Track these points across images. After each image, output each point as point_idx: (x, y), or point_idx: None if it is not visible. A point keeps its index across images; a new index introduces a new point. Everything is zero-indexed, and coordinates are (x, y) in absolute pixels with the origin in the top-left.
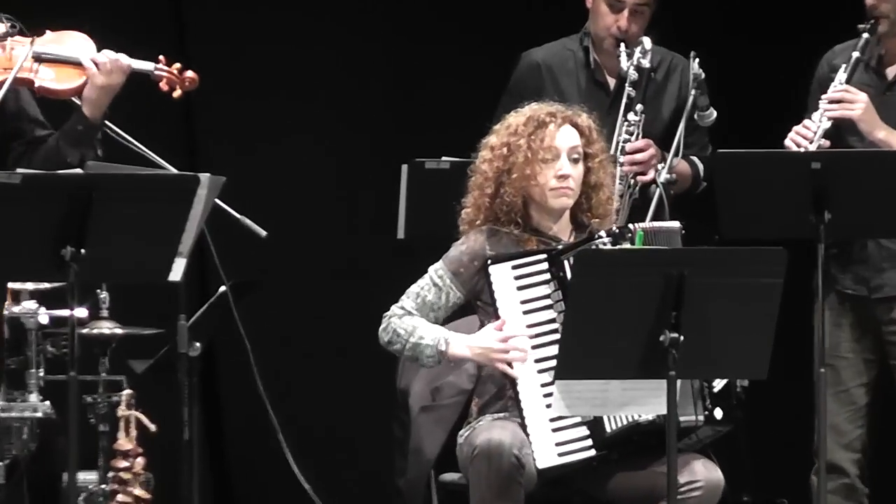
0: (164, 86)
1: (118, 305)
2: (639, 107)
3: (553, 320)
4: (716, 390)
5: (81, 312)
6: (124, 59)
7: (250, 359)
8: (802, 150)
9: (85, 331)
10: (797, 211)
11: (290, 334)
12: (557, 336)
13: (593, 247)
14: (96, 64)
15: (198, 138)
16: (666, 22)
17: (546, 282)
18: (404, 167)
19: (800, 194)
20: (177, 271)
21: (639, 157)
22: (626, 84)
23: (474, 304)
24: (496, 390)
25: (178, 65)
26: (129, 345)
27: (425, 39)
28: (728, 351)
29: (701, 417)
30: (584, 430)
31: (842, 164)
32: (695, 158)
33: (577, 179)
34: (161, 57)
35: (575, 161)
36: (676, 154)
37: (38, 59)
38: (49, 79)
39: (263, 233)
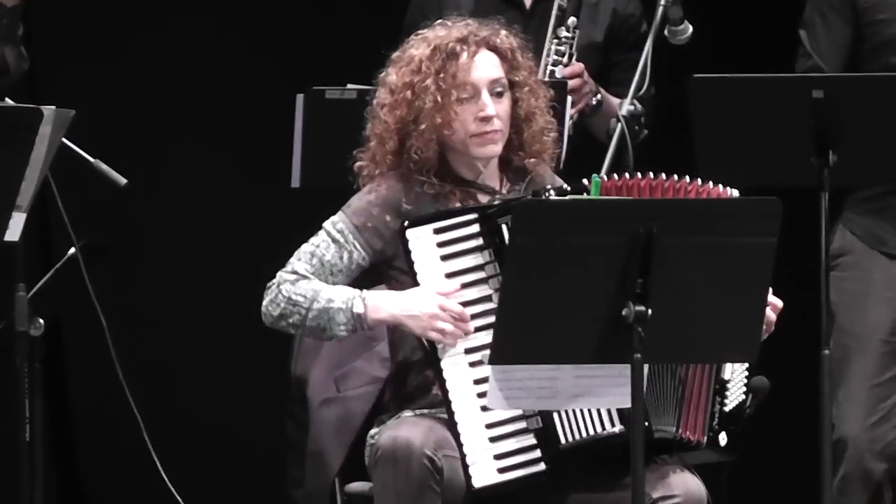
0: None
1: None
2: (571, 20)
3: (488, 298)
4: (728, 409)
5: None
6: None
7: (106, 338)
8: None
9: None
10: (795, 151)
11: (156, 307)
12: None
13: None
14: None
15: (39, 61)
16: None
17: (478, 248)
18: (299, 97)
19: (798, 130)
20: (14, 229)
21: (571, 84)
22: None
23: (384, 271)
24: (420, 378)
25: None
26: None
27: None
28: (708, 328)
29: (703, 439)
30: (532, 440)
31: (851, 91)
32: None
33: (504, 117)
34: None
35: (499, 95)
36: (642, 80)
37: None
38: None
39: (123, 181)
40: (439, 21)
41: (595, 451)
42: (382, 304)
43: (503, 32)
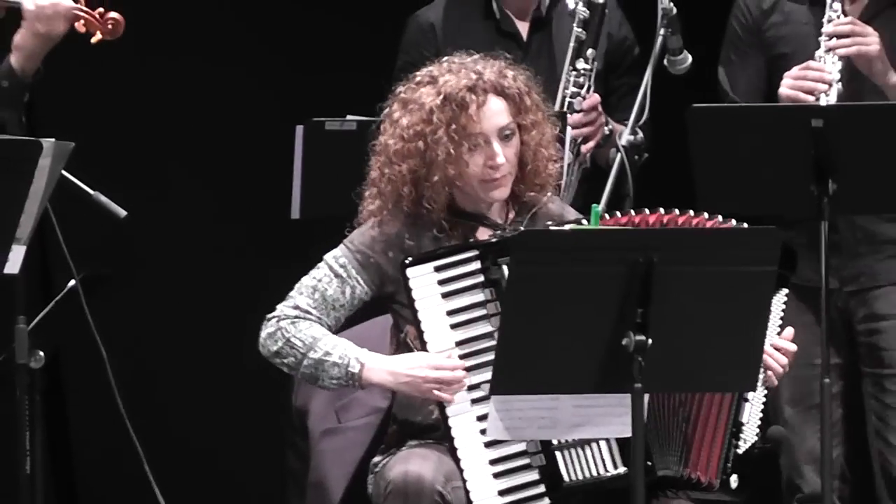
0: (80, 27)
1: None
2: (590, 52)
3: (489, 335)
4: (741, 451)
5: None
6: (65, 1)
7: (107, 369)
8: (815, 99)
9: None
10: (794, 180)
11: (156, 339)
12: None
13: None
14: (35, 5)
15: (37, 93)
16: None
17: (480, 285)
18: (299, 129)
19: (797, 159)
20: (14, 262)
21: (589, 117)
22: (575, 25)
23: (386, 304)
24: (424, 410)
25: (100, 9)
26: None
27: None
28: (708, 357)
29: (716, 481)
30: (535, 475)
31: (850, 120)
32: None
33: (512, 158)
34: None
35: (507, 138)
36: (642, 110)
37: None
38: None
39: (123, 213)
40: (446, 59)
41: (597, 490)
42: (378, 368)
43: (510, 74)
